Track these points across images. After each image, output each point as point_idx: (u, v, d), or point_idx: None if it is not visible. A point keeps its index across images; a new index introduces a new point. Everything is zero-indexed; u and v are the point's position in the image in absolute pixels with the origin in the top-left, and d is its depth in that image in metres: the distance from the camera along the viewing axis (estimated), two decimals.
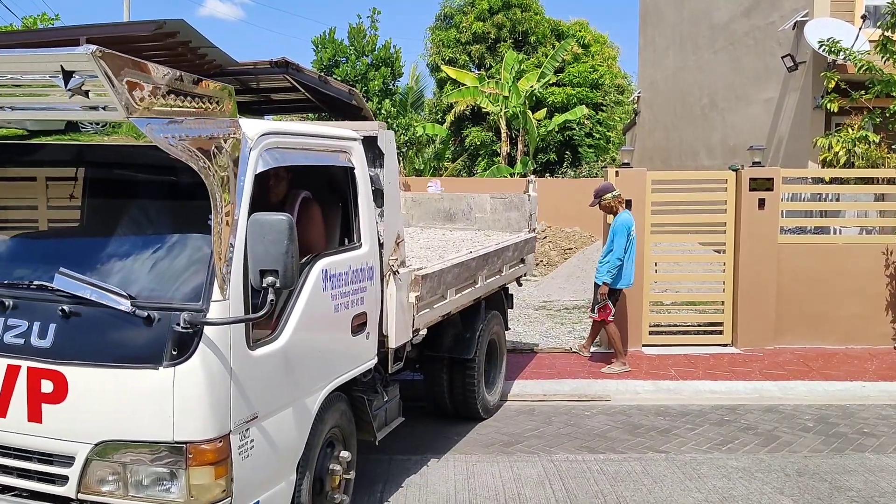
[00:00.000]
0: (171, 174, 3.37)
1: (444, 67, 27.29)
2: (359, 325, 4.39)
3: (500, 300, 7.36)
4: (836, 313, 8.85)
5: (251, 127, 3.55)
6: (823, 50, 10.10)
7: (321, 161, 4.22)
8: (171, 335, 3.17)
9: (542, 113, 26.73)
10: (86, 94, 2.75)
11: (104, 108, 2.83)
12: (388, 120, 23.64)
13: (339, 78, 22.75)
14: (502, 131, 25.98)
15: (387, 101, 23.84)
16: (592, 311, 8.11)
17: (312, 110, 20.00)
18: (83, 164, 4.01)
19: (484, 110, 26.45)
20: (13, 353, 3.33)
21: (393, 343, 4.81)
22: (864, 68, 9.65)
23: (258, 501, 3.54)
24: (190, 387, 3.19)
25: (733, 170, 8.86)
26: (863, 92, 9.79)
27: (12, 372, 3.31)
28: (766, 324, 8.80)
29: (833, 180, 9.39)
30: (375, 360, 4.68)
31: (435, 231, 8.24)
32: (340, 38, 24.62)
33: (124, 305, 3.23)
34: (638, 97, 23.32)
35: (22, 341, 3.34)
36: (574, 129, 27.76)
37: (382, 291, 4.71)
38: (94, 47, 2.62)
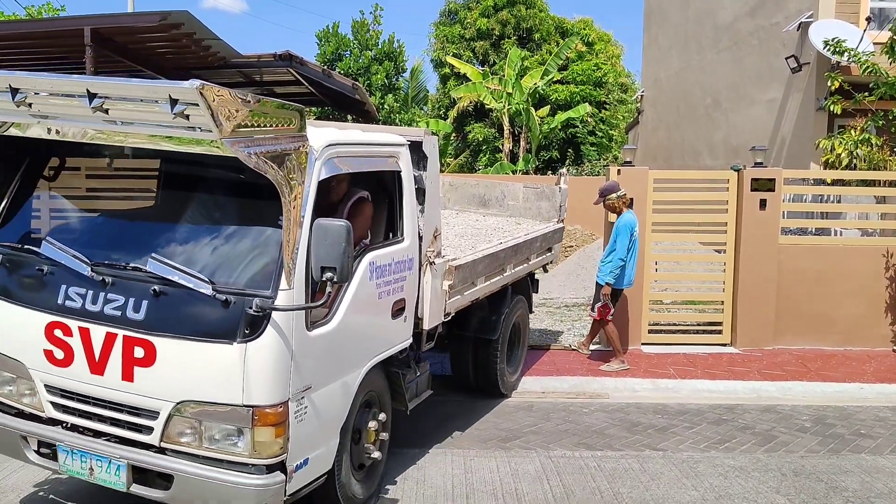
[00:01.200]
0: (249, 179, 3.77)
1: (448, 58, 27.29)
2: (398, 310, 4.95)
3: (526, 286, 7.74)
4: (836, 315, 8.86)
5: (317, 139, 4.09)
6: (828, 50, 10.10)
7: (374, 166, 4.82)
8: (244, 316, 3.77)
9: (546, 110, 26.73)
10: (186, 117, 3.33)
11: (200, 129, 3.39)
12: (391, 115, 23.64)
13: (342, 72, 22.75)
14: (505, 128, 25.97)
15: (389, 95, 23.84)
16: (592, 309, 8.12)
17: (315, 104, 19.94)
18: (167, 163, 4.61)
19: (487, 107, 26.44)
20: (111, 323, 3.98)
21: (427, 325, 5.38)
22: (868, 70, 9.65)
23: (308, 459, 4.12)
24: (258, 360, 3.78)
25: (735, 170, 8.86)
26: (866, 94, 9.79)
27: (110, 338, 3.97)
28: (765, 324, 8.81)
29: (835, 182, 9.39)
30: (411, 340, 5.22)
31: (469, 216, 8.62)
32: (344, 32, 24.59)
33: (207, 289, 3.83)
34: (641, 96, 23.30)
35: (119, 313, 3.98)
36: (577, 126, 27.75)
37: (419, 279, 5.25)
38: (198, 83, 3.20)
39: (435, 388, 5.91)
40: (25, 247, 4.39)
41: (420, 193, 5.22)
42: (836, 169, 9.63)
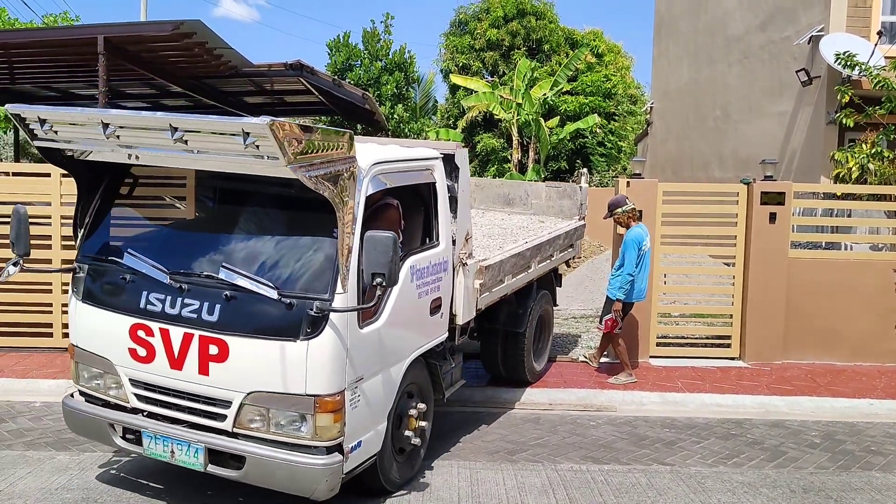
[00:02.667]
0: (305, 196, 4.28)
1: (453, 77, 27.33)
2: (436, 307, 5.50)
3: (550, 281, 8.28)
4: (846, 329, 8.80)
5: (364, 158, 4.60)
6: (839, 64, 10.09)
7: (412, 179, 5.32)
8: (306, 317, 4.33)
9: (555, 121, 26.73)
10: (256, 147, 3.93)
11: (268, 157, 3.97)
12: (401, 125, 23.69)
13: (352, 81, 22.84)
14: (514, 138, 25.98)
15: (399, 105, 23.89)
16: (600, 322, 8.09)
17: (325, 113, 19.96)
18: (231, 182, 5.11)
19: (496, 117, 26.47)
20: (189, 324, 4.56)
21: (460, 320, 5.90)
22: (879, 84, 9.63)
23: (360, 441, 4.68)
24: (318, 355, 4.36)
25: (745, 183, 8.83)
26: (877, 107, 9.77)
27: (188, 338, 4.55)
28: (774, 338, 8.75)
29: (845, 196, 9.34)
30: (447, 335, 5.76)
31: (495, 214, 9.11)
32: (355, 41, 24.67)
33: (273, 294, 4.37)
34: (651, 107, 23.29)
35: (195, 315, 4.55)
36: (586, 137, 27.74)
37: (453, 279, 5.78)
38: (268, 119, 3.78)
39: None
40: (109, 258, 5.02)
41: (453, 201, 5.76)
42: (847, 183, 9.60)
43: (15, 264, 4.99)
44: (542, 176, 25.42)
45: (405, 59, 24.57)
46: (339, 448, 4.50)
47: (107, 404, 5.01)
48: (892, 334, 8.83)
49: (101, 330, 4.94)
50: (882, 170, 9.53)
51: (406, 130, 23.94)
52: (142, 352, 4.72)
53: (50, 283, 8.40)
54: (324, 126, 4.30)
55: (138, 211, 5.53)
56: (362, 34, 24.62)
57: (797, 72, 12.36)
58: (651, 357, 8.77)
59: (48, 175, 8.48)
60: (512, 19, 29.14)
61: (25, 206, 5.03)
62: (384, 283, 4.27)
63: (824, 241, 9.80)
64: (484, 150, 28.25)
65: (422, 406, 5.41)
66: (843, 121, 10.08)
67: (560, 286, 8.75)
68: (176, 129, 4.09)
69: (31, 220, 8.70)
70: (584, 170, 9.29)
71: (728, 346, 8.93)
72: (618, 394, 7.59)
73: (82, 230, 5.21)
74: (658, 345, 8.89)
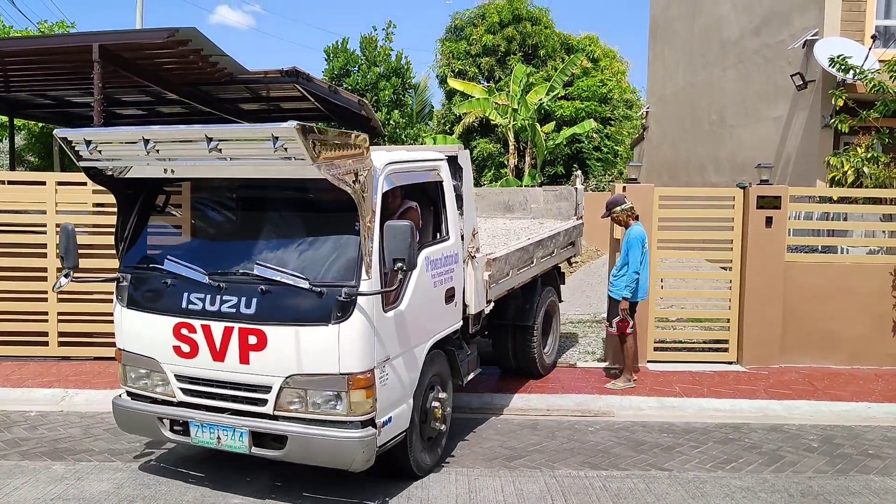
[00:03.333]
0: (332, 195, 4.74)
1: (450, 81, 27.36)
2: (450, 296, 5.95)
3: (553, 278, 8.85)
4: (843, 333, 8.80)
5: (378, 159, 5.09)
6: (834, 67, 10.10)
7: (422, 178, 5.79)
8: (335, 303, 4.77)
9: (551, 126, 26.76)
10: (285, 150, 4.34)
11: (295, 158, 4.39)
12: (397, 131, 23.69)
13: (349, 87, 22.84)
14: (510, 143, 26.01)
15: (396, 111, 23.90)
16: (610, 325, 8.04)
17: (322, 119, 19.90)
18: (256, 189, 5.54)
19: (492, 122, 26.49)
20: (228, 319, 4.97)
21: (472, 310, 6.35)
22: (874, 88, 9.64)
23: (391, 417, 5.09)
24: (349, 337, 4.78)
25: (741, 187, 8.83)
26: (871, 111, 9.78)
27: (228, 331, 4.97)
28: (771, 342, 8.75)
29: (841, 199, 9.35)
30: (461, 323, 6.22)
31: (497, 221, 9.71)
32: (353, 47, 24.67)
33: (305, 284, 4.80)
34: (647, 112, 23.32)
35: (234, 310, 4.97)
36: (582, 142, 27.77)
37: (464, 271, 6.21)
38: (295, 123, 4.19)
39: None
40: (150, 265, 5.42)
41: (459, 199, 6.22)
42: (843, 186, 9.60)
43: (66, 276, 5.50)
44: (539, 181, 25.44)
45: (402, 66, 24.58)
46: (371, 422, 4.90)
47: (154, 401, 5.37)
48: (889, 338, 8.83)
49: (146, 332, 5.34)
50: (877, 173, 9.53)
51: (402, 136, 23.92)
52: (185, 348, 5.12)
53: (45, 293, 8.37)
54: (346, 131, 4.69)
55: (170, 221, 5.97)
56: (360, 40, 24.62)
57: (792, 76, 12.38)
58: (649, 362, 8.76)
59: (43, 184, 8.47)
60: (507, 25, 29.19)
61: (72, 224, 5.51)
62: (404, 268, 4.76)
63: (820, 244, 9.80)
64: (480, 156, 28.27)
65: (443, 395, 5.88)
66: (838, 125, 10.09)
67: (564, 283, 9.24)
68: (211, 140, 4.52)
69: (25, 228, 8.72)
70: (579, 172, 9.60)
71: (726, 350, 8.92)
72: (616, 399, 7.57)
73: (123, 243, 5.62)
74: (655, 349, 8.88)
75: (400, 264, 4.72)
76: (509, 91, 25.35)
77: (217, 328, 5.00)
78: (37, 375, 7.90)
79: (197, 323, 5.05)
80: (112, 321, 7.79)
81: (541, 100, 25.31)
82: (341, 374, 4.79)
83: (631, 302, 7.81)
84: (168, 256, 5.33)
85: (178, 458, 6.00)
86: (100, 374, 7.96)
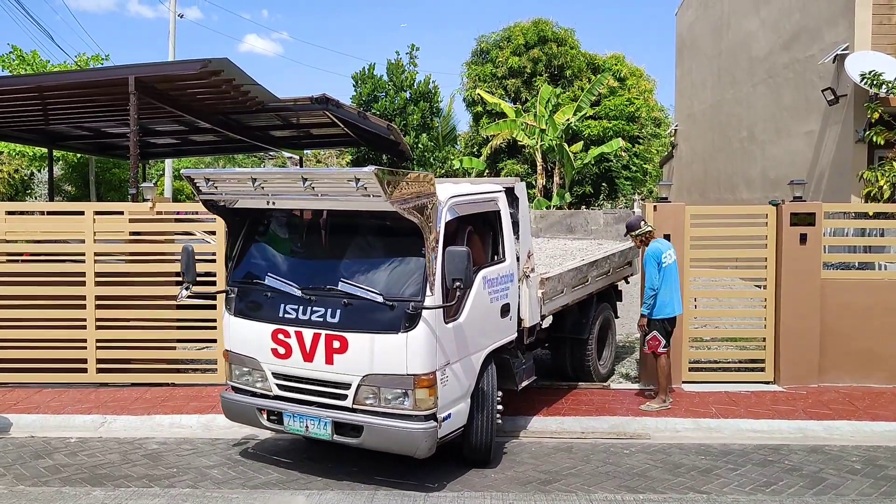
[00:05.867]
0: (400, 226, 5.68)
1: (481, 92, 27.51)
2: (505, 311, 6.68)
3: (609, 295, 9.41)
4: (883, 351, 8.61)
5: (442, 192, 5.94)
6: (865, 83, 10.00)
7: (481, 208, 6.59)
8: (404, 315, 5.64)
9: (579, 146, 26.72)
10: (365, 189, 5.27)
11: (373, 196, 5.30)
12: (426, 154, 23.83)
13: (377, 112, 23.07)
14: (538, 164, 26.01)
15: (424, 135, 24.07)
16: (643, 344, 8.01)
17: (351, 144, 20.10)
18: (338, 217, 6.34)
19: (520, 143, 26.53)
20: (316, 326, 5.90)
21: (527, 323, 7.05)
22: None
23: (450, 413, 5.88)
24: (415, 344, 5.61)
25: (774, 204, 8.73)
26: None
27: (316, 337, 5.89)
28: (809, 361, 8.59)
29: (877, 215, 9.19)
30: (516, 335, 6.93)
31: (558, 241, 10.49)
32: (380, 73, 24.95)
33: (379, 299, 5.72)
34: (675, 130, 23.22)
35: (322, 319, 5.90)
36: (611, 161, 27.68)
37: (519, 289, 6.92)
38: (374, 168, 5.10)
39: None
40: (254, 281, 6.39)
41: (515, 225, 6.94)
42: (878, 201, 9.45)
43: (186, 288, 6.57)
44: (568, 201, 25.38)
45: (430, 90, 24.79)
46: (433, 417, 5.68)
47: (254, 394, 6.33)
48: None
49: (249, 336, 6.29)
50: None
51: (431, 159, 24.08)
52: (281, 350, 6.05)
53: (84, 320, 8.53)
54: (413, 170, 5.64)
55: (270, 243, 6.71)
56: (387, 65, 24.90)
57: (823, 91, 12.27)
58: (684, 382, 8.64)
59: (82, 213, 8.65)
60: (533, 46, 29.30)
61: (192, 245, 6.66)
62: (462, 286, 5.61)
63: (857, 261, 9.63)
64: (507, 176, 28.30)
65: (499, 393, 6.55)
66: (874, 138, 9.95)
67: (620, 300, 9.74)
68: (306, 180, 5.51)
69: (64, 257, 8.93)
70: (637, 196, 9.97)
71: (762, 369, 8.77)
72: (651, 421, 7.48)
73: (231, 261, 6.60)
74: (691, 370, 8.77)
75: (458, 283, 5.54)
76: (536, 112, 25.40)
77: (308, 334, 5.91)
78: (76, 402, 8.03)
79: (291, 329, 5.99)
80: (149, 348, 8.55)
81: (568, 120, 25.31)
82: (408, 374, 5.61)
83: (658, 320, 7.75)
84: (268, 273, 6.30)
85: (215, 483, 6.05)
86: (137, 400, 8.07)
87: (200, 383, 8.62)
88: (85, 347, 8.58)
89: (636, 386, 8.71)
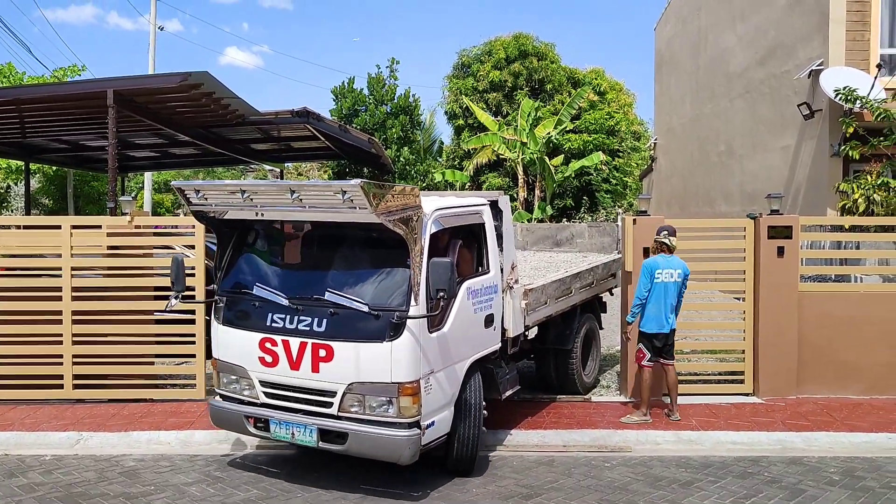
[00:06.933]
0: (385, 237, 5.77)
1: (467, 101, 27.61)
2: (489, 321, 6.80)
3: (593, 306, 9.56)
4: (860, 362, 8.70)
5: (427, 205, 6.06)
6: (840, 98, 10.14)
7: (465, 221, 6.71)
8: (389, 324, 5.73)
9: (560, 159, 26.90)
10: (351, 201, 5.39)
11: (359, 208, 5.43)
12: (407, 167, 23.85)
13: (358, 126, 23.06)
14: (520, 177, 26.14)
15: (405, 148, 24.10)
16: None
17: (332, 158, 20.06)
18: (325, 228, 6.43)
19: (501, 157, 26.64)
20: (303, 335, 6.00)
21: (511, 333, 7.18)
22: (881, 116, 9.67)
23: (434, 421, 5.98)
24: (400, 352, 5.71)
25: (751, 217, 8.82)
26: (881, 139, 9.78)
27: (303, 345, 5.99)
28: (787, 373, 8.66)
29: (853, 228, 9.30)
30: (500, 345, 7.05)
31: (544, 254, 10.76)
32: (360, 87, 24.96)
33: (365, 308, 5.82)
34: (654, 143, 23.42)
35: (308, 328, 5.99)
36: (591, 174, 27.86)
37: (503, 299, 7.06)
38: (360, 181, 5.23)
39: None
40: (242, 291, 6.48)
41: (499, 238, 7.08)
42: (854, 214, 9.57)
43: (176, 297, 6.70)
44: (549, 214, 25.49)
45: (410, 103, 24.84)
46: (417, 424, 5.78)
47: (241, 402, 6.40)
48: None
49: (237, 345, 6.38)
50: (888, 200, 9.51)
51: (412, 172, 24.11)
52: (268, 359, 6.15)
53: (61, 335, 8.42)
54: (398, 184, 5.77)
55: (258, 254, 6.80)
56: (367, 80, 24.94)
57: (799, 106, 12.44)
58: (664, 395, 8.66)
59: (59, 227, 8.56)
60: (514, 61, 29.50)
61: (182, 255, 6.92)
62: (445, 296, 5.72)
63: (834, 273, 9.74)
64: (490, 190, 28.39)
65: (483, 403, 6.61)
66: (850, 152, 10.09)
67: (605, 312, 9.88)
68: (294, 192, 5.62)
69: (40, 271, 8.83)
70: (620, 210, 10.07)
71: (741, 381, 8.83)
72: (632, 433, 7.50)
73: (220, 271, 6.70)
74: None
75: (442, 294, 5.67)
76: (517, 125, 25.54)
77: (294, 343, 6.02)
78: (52, 419, 7.91)
79: (278, 338, 6.10)
80: (126, 363, 8.49)
81: (549, 133, 25.48)
82: (393, 382, 5.72)
83: (644, 333, 7.78)
84: (257, 283, 6.41)
85: (193, 500, 5.97)
86: (114, 417, 7.96)
87: (179, 399, 8.52)
88: (61, 363, 8.46)
89: (617, 398, 8.73)
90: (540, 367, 8.98)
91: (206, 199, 6.22)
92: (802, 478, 6.49)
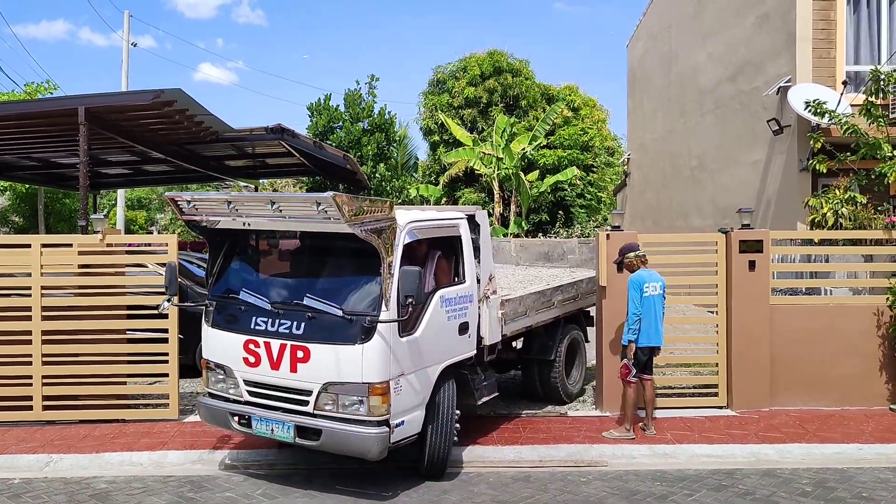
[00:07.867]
0: (359, 246, 6.10)
1: (442, 116, 27.71)
2: (463, 329, 7.10)
3: (578, 318, 9.91)
4: (831, 374, 8.82)
5: (402, 217, 6.45)
6: (809, 111, 10.31)
7: (441, 233, 7.08)
8: (361, 328, 6.11)
9: (535, 174, 27.06)
10: (325, 212, 5.79)
11: (333, 219, 5.83)
12: (383, 183, 23.85)
13: (333, 143, 23.04)
14: (495, 192, 26.25)
15: (381, 165, 24.10)
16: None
17: (307, 174, 20.01)
18: (309, 239, 6.92)
19: (477, 172, 26.75)
20: (283, 337, 6.41)
21: (487, 342, 7.48)
22: (849, 131, 9.84)
23: (403, 421, 6.30)
24: (370, 354, 6.08)
25: (723, 232, 8.93)
26: (848, 154, 9.96)
27: (282, 347, 6.39)
28: (760, 385, 8.75)
29: (822, 241, 9.45)
30: (474, 352, 7.34)
31: (535, 269, 11.19)
32: (336, 103, 24.94)
33: (339, 313, 6.24)
34: (628, 159, 23.66)
35: (288, 331, 6.40)
36: (566, 189, 28.05)
37: (479, 309, 7.37)
38: (332, 193, 5.61)
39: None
40: (230, 296, 6.94)
41: (476, 250, 7.40)
42: (823, 228, 9.72)
43: (168, 300, 7.24)
44: (525, 229, 25.61)
45: (385, 120, 24.88)
46: (386, 423, 6.11)
47: (227, 400, 6.79)
48: (876, 378, 8.86)
49: (224, 346, 6.80)
50: (856, 214, 9.67)
51: (388, 188, 24.11)
52: (251, 359, 6.56)
53: (30, 356, 8.28)
54: (371, 197, 6.12)
55: (245, 262, 7.26)
56: (344, 96, 24.93)
57: (768, 121, 12.65)
58: (639, 409, 8.70)
59: (28, 246, 8.44)
60: (489, 77, 29.69)
61: (175, 262, 7.55)
62: (413, 303, 6.06)
63: (804, 286, 9.87)
64: (466, 205, 28.46)
65: (456, 411, 6.95)
66: (817, 167, 10.26)
67: (591, 325, 9.94)
68: (273, 203, 6.06)
69: (8, 291, 8.68)
70: (593, 224, 10.22)
71: (715, 394, 8.90)
72: (608, 448, 7.52)
73: (211, 277, 7.14)
74: None
75: (410, 300, 6.01)
76: (493, 141, 25.67)
77: (275, 344, 6.41)
78: (20, 441, 7.75)
79: (261, 340, 6.50)
80: (98, 383, 8.60)
81: (524, 149, 25.65)
82: (363, 382, 6.06)
83: (641, 347, 7.73)
84: (243, 289, 6.88)
85: None
86: (85, 438, 7.83)
87: (152, 419, 8.41)
88: (31, 384, 8.31)
89: (593, 413, 8.76)
90: (526, 376, 9.32)
91: (196, 209, 6.65)
92: (776, 490, 6.55)
